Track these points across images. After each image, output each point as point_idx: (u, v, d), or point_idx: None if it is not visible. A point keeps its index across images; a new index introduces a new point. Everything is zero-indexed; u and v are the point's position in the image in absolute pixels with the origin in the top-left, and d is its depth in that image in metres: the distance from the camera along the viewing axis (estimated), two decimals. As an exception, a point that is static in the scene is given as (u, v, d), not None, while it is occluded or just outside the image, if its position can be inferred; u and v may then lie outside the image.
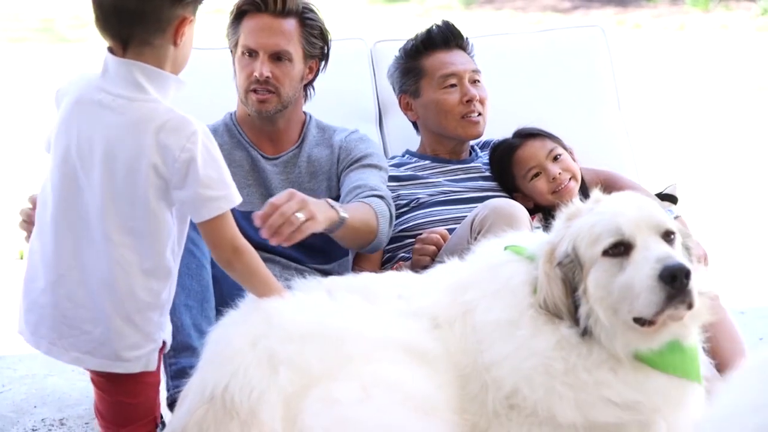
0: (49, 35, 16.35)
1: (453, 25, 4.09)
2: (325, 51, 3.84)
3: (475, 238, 3.37)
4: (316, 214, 3.10)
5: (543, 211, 3.90)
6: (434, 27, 4.06)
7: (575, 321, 2.75)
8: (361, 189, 3.66)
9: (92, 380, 2.88)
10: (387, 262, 3.85)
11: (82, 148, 2.74)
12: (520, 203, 3.80)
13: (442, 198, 3.92)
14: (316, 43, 3.80)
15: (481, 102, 3.98)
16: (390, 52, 4.40)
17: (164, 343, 2.85)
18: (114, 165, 2.70)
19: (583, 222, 2.80)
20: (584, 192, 3.92)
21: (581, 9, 17.92)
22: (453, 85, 3.97)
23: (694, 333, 2.80)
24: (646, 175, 4.41)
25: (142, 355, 2.79)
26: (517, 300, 2.81)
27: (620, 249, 2.73)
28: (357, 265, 3.82)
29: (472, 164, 4.07)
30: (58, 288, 2.77)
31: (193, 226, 3.02)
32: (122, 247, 2.71)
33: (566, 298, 2.77)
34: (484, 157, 4.11)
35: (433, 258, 3.58)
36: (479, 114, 3.98)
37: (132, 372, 2.78)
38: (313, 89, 3.90)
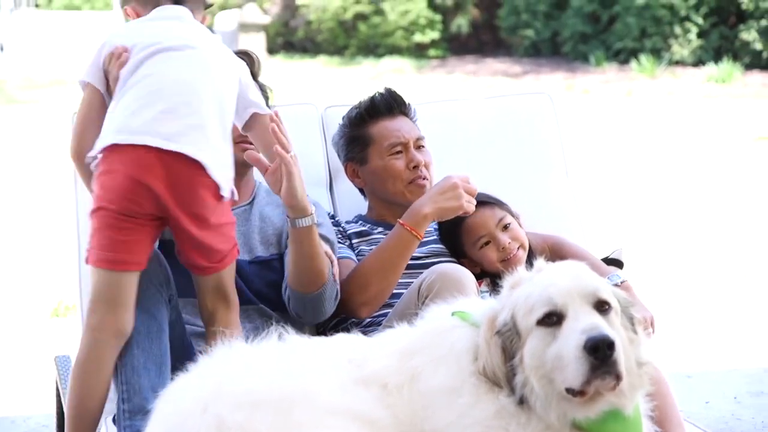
0: (0, 96, 16.30)
1: (395, 92, 4.12)
2: None
3: (423, 303, 3.39)
4: (299, 179, 3.46)
5: (490, 277, 3.93)
6: (377, 95, 4.09)
7: (512, 389, 2.76)
8: None
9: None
10: (339, 324, 3.85)
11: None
12: (468, 268, 3.83)
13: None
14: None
15: (426, 167, 4.03)
16: (341, 117, 4.43)
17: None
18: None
19: (521, 291, 2.83)
20: (531, 258, 3.95)
21: (531, 74, 18.18)
22: (399, 152, 4.02)
23: (634, 402, 2.81)
24: (593, 240, 4.46)
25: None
26: (459, 367, 2.81)
27: (553, 319, 2.75)
28: None
29: (421, 231, 4.08)
30: None
31: (155, 288, 3.22)
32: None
33: (504, 367, 2.78)
34: (434, 222, 4.14)
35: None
36: (425, 178, 4.02)
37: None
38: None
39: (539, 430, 2.73)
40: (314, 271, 3.58)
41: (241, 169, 3.80)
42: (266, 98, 3.91)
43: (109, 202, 3.16)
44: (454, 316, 2.94)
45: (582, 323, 2.70)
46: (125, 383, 3.23)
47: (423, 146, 4.07)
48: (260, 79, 3.90)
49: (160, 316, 3.29)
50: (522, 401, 2.74)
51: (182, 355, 3.31)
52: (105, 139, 3.20)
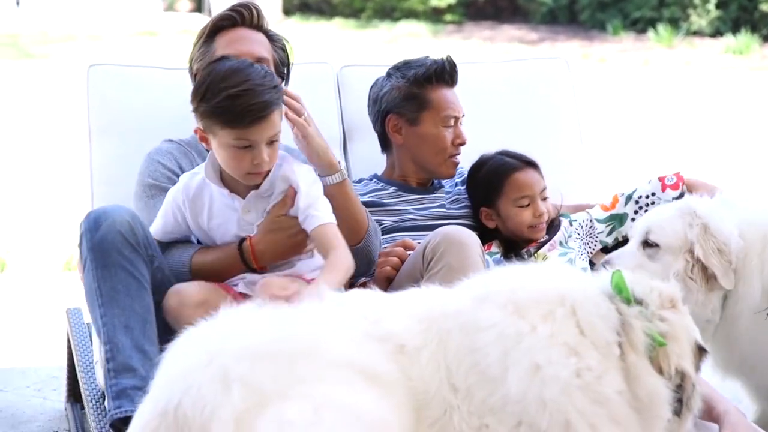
0: (14, 51, 16.29)
1: (456, 65, 4.08)
2: (288, 71, 3.93)
3: (428, 266, 3.41)
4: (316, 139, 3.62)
5: (500, 239, 3.95)
6: (447, 63, 4.04)
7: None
8: None
9: None
10: (350, 287, 3.86)
11: None
12: (484, 221, 3.87)
13: (406, 224, 3.95)
14: (284, 59, 3.91)
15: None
16: (356, 77, 4.43)
17: None
18: None
19: None
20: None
21: (548, 41, 18.08)
22: (451, 126, 4.01)
23: None
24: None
25: None
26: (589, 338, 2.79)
27: None
28: None
29: (435, 194, 4.10)
30: None
31: (132, 247, 3.26)
32: None
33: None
34: (446, 186, 4.14)
35: (396, 269, 3.62)
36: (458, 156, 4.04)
37: None
38: None
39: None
40: (352, 223, 3.63)
41: None
42: (284, 51, 3.91)
43: None
44: (614, 275, 2.89)
45: None
46: (109, 342, 3.26)
47: (462, 124, 4.07)
48: (272, 30, 3.92)
49: (139, 275, 3.32)
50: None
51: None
52: None
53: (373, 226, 3.74)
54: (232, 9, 3.87)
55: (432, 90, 4.00)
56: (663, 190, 3.97)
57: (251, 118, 3.31)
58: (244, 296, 3.43)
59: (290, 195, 3.47)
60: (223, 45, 3.81)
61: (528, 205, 3.93)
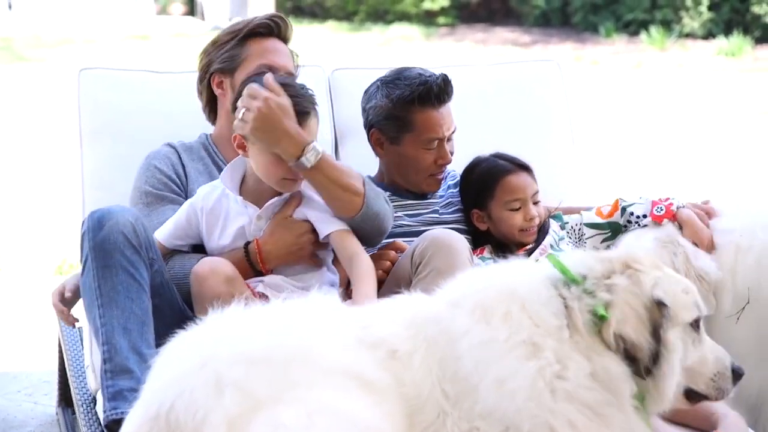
0: (8, 54, 16.26)
1: (449, 81, 3.93)
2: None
3: (416, 270, 3.40)
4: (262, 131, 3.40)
5: (492, 244, 3.94)
6: (434, 85, 3.88)
7: (650, 362, 2.78)
8: None
9: None
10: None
11: None
12: (475, 223, 3.85)
13: (398, 231, 3.93)
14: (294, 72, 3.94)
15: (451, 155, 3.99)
16: (348, 80, 4.42)
17: None
18: None
19: (674, 280, 2.90)
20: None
21: (540, 43, 18.10)
22: (433, 147, 3.94)
23: None
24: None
25: None
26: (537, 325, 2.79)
27: (698, 324, 2.89)
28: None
29: (428, 199, 4.08)
30: None
31: (134, 248, 3.23)
32: None
33: (653, 340, 2.79)
34: (439, 190, 4.13)
35: (388, 272, 3.61)
36: (444, 171, 4.01)
37: None
38: None
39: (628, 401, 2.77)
40: (342, 196, 3.50)
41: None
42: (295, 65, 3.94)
43: None
44: (550, 260, 2.90)
45: (715, 343, 2.95)
46: (106, 343, 3.25)
47: (451, 137, 4.00)
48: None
49: (139, 277, 3.32)
50: (649, 373, 2.78)
51: (173, 320, 3.30)
52: None
53: (372, 190, 3.56)
54: (270, 19, 3.91)
55: (415, 112, 3.89)
56: (650, 215, 3.91)
57: None
58: (263, 297, 3.45)
59: (296, 196, 3.54)
60: (258, 53, 3.84)
61: (519, 208, 3.92)
